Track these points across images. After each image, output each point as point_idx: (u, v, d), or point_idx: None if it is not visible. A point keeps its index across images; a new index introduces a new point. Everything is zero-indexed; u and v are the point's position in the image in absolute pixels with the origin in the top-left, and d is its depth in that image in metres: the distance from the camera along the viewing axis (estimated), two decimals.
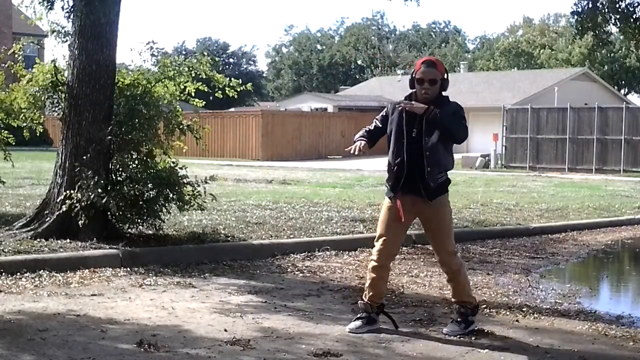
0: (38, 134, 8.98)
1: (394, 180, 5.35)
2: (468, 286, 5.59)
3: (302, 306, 6.05)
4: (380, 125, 5.50)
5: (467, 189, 17.83)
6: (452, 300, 5.54)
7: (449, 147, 5.40)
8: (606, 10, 13.36)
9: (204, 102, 9.25)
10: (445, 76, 5.35)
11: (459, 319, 5.42)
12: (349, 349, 4.91)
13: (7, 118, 8.56)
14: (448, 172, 5.41)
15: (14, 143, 8.99)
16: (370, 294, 5.41)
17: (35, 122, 8.68)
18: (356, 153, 5.42)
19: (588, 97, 37.93)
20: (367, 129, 5.56)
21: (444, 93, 5.41)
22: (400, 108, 5.34)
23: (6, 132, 8.83)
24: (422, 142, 5.23)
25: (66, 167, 7.87)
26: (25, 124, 8.63)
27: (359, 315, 5.44)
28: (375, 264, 5.37)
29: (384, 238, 5.35)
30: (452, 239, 5.47)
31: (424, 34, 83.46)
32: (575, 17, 13.73)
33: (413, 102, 5.27)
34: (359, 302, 5.52)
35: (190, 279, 6.90)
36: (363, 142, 5.39)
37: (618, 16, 13.49)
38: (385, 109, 5.55)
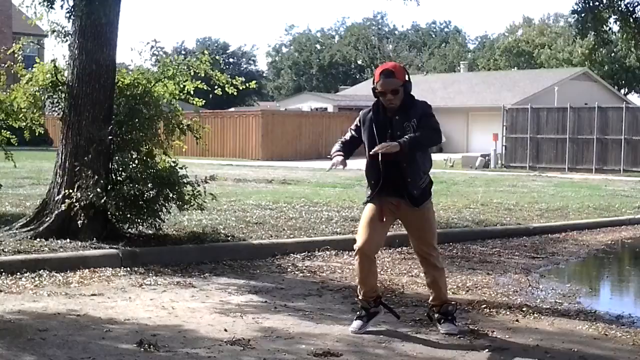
0: (37, 134, 8.97)
1: (371, 188, 5.37)
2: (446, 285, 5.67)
3: (302, 306, 6.05)
4: (356, 135, 5.48)
5: (467, 188, 17.83)
6: (435, 302, 5.49)
7: (426, 152, 5.42)
8: (606, 9, 13.33)
9: (204, 102, 9.25)
10: (407, 78, 5.28)
11: (449, 317, 5.43)
12: (349, 349, 4.91)
13: (7, 118, 8.55)
14: (429, 172, 5.46)
15: (16, 144, 8.97)
16: (363, 290, 5.43)
17: (35, 122, 8.67)
18: (335, 168, 5.37)
19: (588, 97, 37.93)
20: (343, 140, 5.53)
21: (411, 92, 5.36)
22: (370, 117, 5.36)
23: (8, 132, 8.81)
24: (396, 154, 5.17)
25: (66, 167, 7.87)
26: (25, 124, 8.62)
27: (358, 314, 5.45)
28: (358, 257, 5.37)
29: (362, 231, 5.37)
30: (436, 238, 5.52)
31: (423, 34, 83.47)
32: (576, 16, 13.71)
33: (384, 143, 5.13)
34: (356, 299, 5.56)
35: (190, 278, 6.90)
36: (340, 158, 5.34)
37: (617, 16, 13.48)
38: (358, 118, 5.51)
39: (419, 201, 5.31)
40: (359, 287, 5.48)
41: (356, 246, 5.39)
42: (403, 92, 5.26)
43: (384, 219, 5.35)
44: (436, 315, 5.48)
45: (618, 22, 13.58)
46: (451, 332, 5.32)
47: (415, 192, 5.29)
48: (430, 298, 5.55)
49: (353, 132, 5.51)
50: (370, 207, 5.41)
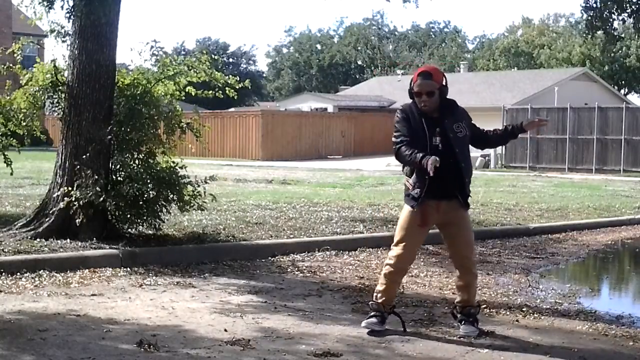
0: (38, 135, 8.94)
1: (424, 189, 5.18)
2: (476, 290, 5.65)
3: (302, 306, 6.05)
4: (411, 128, 5.25)
5: None
6: (463, 304, 5.45)
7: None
8: (624, 3, 13.24)
9: (213, 93, 9.19)
10: (444, 83, 5.28)
11: (470, 319, 5.40)
12: (349, 349, 4.91)
13: (7, 123, 8.51)
14: None
15: (18, 148, 8.94)
16: (383, 298, 5.37)
17: (36, 128, 8.63)
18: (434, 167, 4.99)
19: (588, 97, 37.92)
20: (409, 142, 5.19)
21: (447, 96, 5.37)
22: (420, 112, 5.26)
23: (14, 140, 8.76)
24: (454, 153, 5.19)
25: (66, 167, 7.87)
26: (25, 129, 8.57)
27: (373, 314, 5.36)
28: (392, 269, 5.31)
29: (404, 244, 5.28)
30: None
31: (423, 34, 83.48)
32: (585, 14, 13.66)
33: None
34: (371, 303, 5.44)
35: (190, 279, 6.90)
36: (434, 157, 4.95)
37: (629, 11, 13.40)
38: (401, 113, 5.31)
39: (467, 201, 5.33)
40: (380, 294, 5.38)
41: (394, 255, 5.29)
42: (439, 95, 5.26)
43: (427, 224, 5.28)
44: (458, 316, 5.46)
45: (630, 19, 13.51)
46: (469, 335, 5.28)
47: (468, 193, 5.32)
48: (457, 299, 5.51)
49: (402, 126, 5.24)
50: (410, 211, 5.26)
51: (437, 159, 4.94)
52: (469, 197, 5.37)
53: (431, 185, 5.16)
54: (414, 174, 5.26)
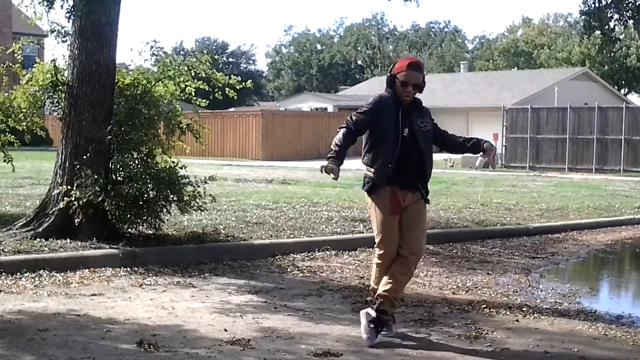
0: (38, 134, 8.94)
1: (386, 176, 5.15)
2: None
3: (302, 306, 6.05)
4: (369, 121, 5.17)
5: (467, 189, 17.83)
6: (400, 297, 5.33)
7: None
8: (622, 5, 13.23)
9: (207, 102, 9.22)
10: (423, 79, 5.27)
11: (381, 321, 5.17)
12: (349, 348, 4.91)
13: (7, 120, 8.52)
14: None
15: (17, 146, 8.95)
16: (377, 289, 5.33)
17: (36, 125, 8.64)
18: (329, 175, 5.08)
19: (588, 97, 37.94)
20: (344, 133, 5.12)
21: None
22: (397, 103, 5.19)
23: (13, 136, 8.78)
24: (419, 146, 5.18)
25: (66, 167, 7.87)
26: (25, 125, 8.59)
27: (378, 323, 5.17)
28: (384, 262, 5.26)
29: (387, 235, 5.25)
30: None
31: (423, 34, 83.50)
32: (584, 16, 13.66)
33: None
34: (382, 315, 5.18)
35: (190, 279, 6.90)
36: (336, 168, 5.01)
37: (629, 13, 13.38)
38: (373, 102, 5.20)
39: (427, 196, 5.32)
40: (376, 290, 5.30)
41: (381, 251, 5.24)
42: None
43: (401, 206, 5.21)
44: (370, 308, 5.21)
45: (631, 19, 13.50)
46: (366, 334, 5.09)
47: (427, 186, 5.31)
48: (384, 289, 5.18)
49: (364, 117, 5.16)
50: (382, 208, 5.24)
51: (336, 170, 4.98)
52: (429, 194, 5.34)
53: (396, 175, 5.13)
54: (376, 163, 5.19)
